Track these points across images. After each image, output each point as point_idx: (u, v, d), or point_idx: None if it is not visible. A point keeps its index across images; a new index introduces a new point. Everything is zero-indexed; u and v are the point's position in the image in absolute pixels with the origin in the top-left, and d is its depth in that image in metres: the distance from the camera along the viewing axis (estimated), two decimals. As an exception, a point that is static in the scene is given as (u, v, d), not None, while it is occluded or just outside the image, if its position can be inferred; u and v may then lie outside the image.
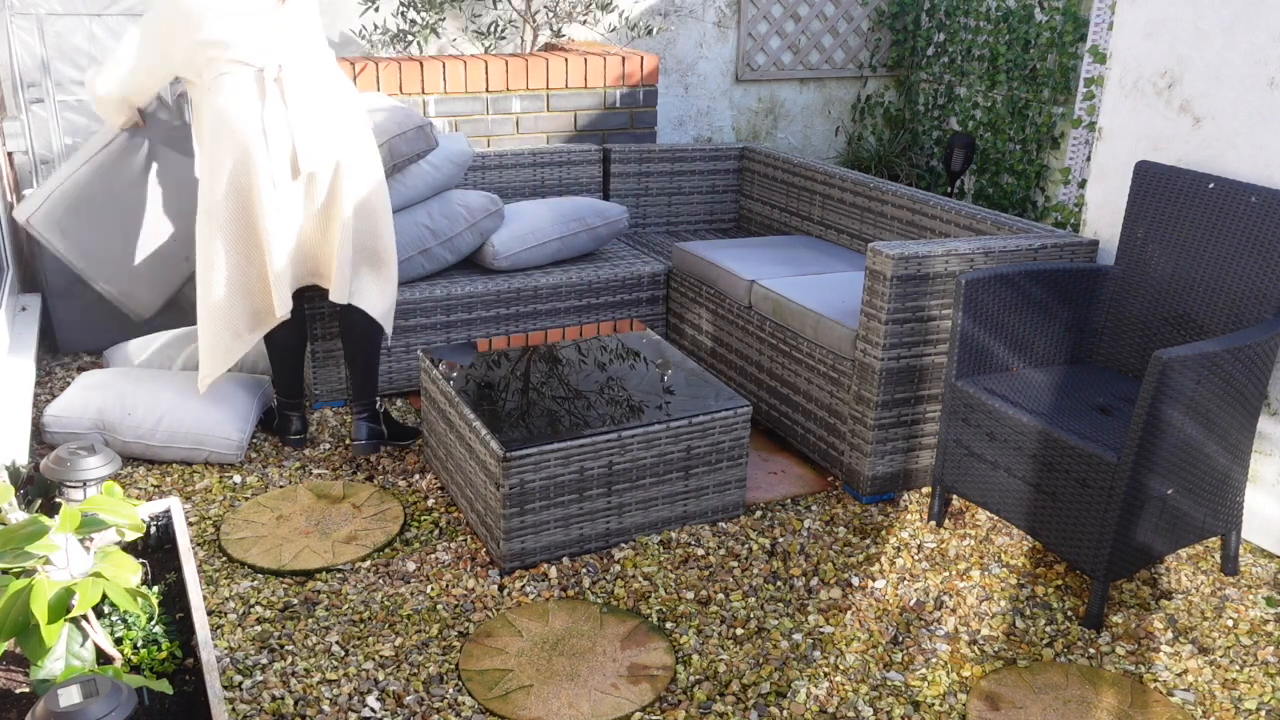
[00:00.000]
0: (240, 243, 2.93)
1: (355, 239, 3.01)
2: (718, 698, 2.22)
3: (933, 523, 2.90)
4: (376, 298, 3.09)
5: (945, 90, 5.58)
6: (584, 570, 2.66)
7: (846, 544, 2.81)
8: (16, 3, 3.68)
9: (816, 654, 2.36)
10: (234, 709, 2.14)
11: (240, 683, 2.22)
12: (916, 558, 2.76)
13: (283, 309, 2.97)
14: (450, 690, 2.22)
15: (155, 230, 3.54)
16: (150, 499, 2.93)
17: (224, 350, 3.02)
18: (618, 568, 2.68)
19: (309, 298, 3.36)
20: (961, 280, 2.69)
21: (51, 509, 2.21)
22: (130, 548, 2.27)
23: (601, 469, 2.67)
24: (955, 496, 2.98)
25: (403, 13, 4.60)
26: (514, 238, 3.73)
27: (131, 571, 1.79)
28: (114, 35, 3.86)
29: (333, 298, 3.02)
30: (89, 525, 1.79)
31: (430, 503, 2.96)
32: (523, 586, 2.58)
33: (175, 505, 2.41)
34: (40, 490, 2.28)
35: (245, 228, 2.91)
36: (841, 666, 2.33)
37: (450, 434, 2.88)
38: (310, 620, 2.43)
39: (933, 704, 2.22)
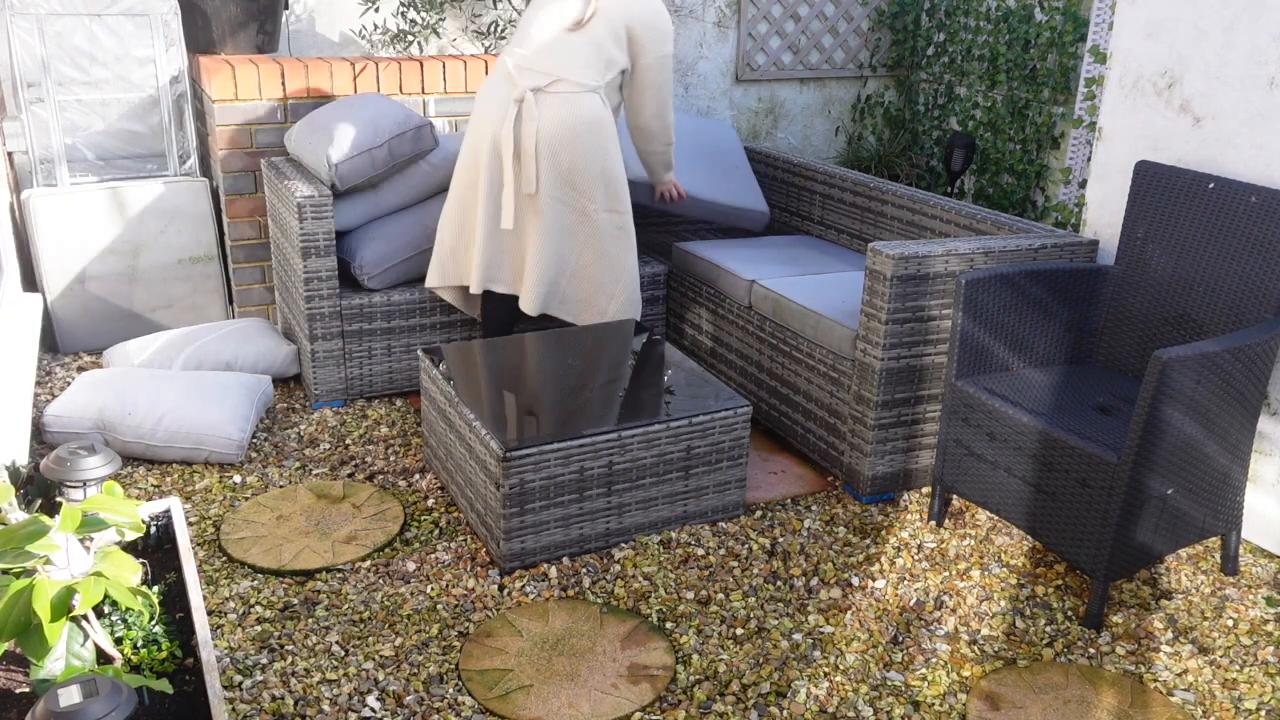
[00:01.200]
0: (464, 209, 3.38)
1: (559, 259, 3.34)
2: (718, 698, 2.22)
3: (933, 523, 2.90)
4: (574, 306, 3.41)
5: (945, 90, 5.58)
6: (584, 570, 2.66)
7: (846, 544, 2.81)
8: (16, 3, 3.68)
9: (816, 654, 2.37)
10: (234, 709, 2.14)
11: (240, 683, 2.22)
12: (916, 558, 2.76)
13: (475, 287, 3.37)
14: (450, 690, 2.22)
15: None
16: (150, 499, 2.94)
17: (438, 266, 3.45)
18: (618, 568, 2.68)
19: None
20: (961, 280, 2.69)
21: (52, 509, 2.21)
22: (130, 548, 2.27)
23: (601, 469, 2.67)
24: (955, 496, 2.98)
25: (403, 13, 4.60)
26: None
27: (132, 571, 1.79)
28: (114, 35, 3.86)
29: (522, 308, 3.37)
30: (89, 525, 1.79)
31: (430, 503, 2.96)
32: (523, 586, 2.58)
33: (175, 505, 2.41)
34: (40, 490, 2.28)
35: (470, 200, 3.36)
36: (841, 666, 2.33)
37: (450, 434, 2.88)
38: (310, 620, 2.43)
39: (933, 704, 2.22)
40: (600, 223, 3.31)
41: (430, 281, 3.46)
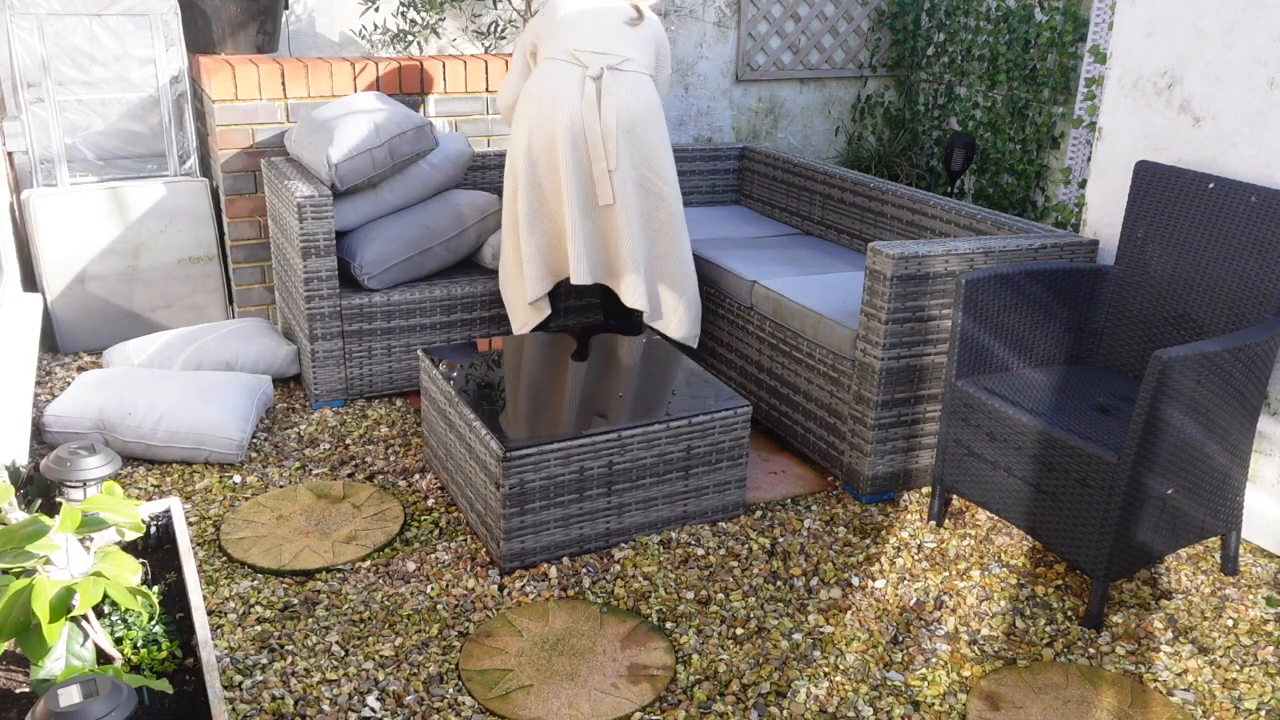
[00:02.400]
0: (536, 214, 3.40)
1: (648, 253, 3.40)
2: (718, 698, 2.22)
3: (933, 523, 2.90)
4: (676, 321, 3.48)
5: (945, 90, 5.58)
6: (584, 570, 2.66)
7: (846, 544, 2.81)
8: (16, 3, 3.68)
9: (816, 654, 2.36)
10: (234, 709, 2.14)
11: (240, 683, 2.22)
12: (916, 558, 2.76)
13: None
14: (450, 690, 2.22)
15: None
16: (150, 499, 2.93)
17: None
18: (618, 568, 2.68)
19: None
20: (961, 280, 2.69)
21: (52, 509, 2.21)
22: (130, 548, 2.27)
23: (601, 469, 2.67)
24: (955, 496, 2.98)
25: (403, 13, 4.60)
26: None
27: (132, 571, 1.79)
28: (114, 35, 3.86)
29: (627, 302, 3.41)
30: (89, 525, 1.79)
31: (430, 503, 2.96)
32: (523, 586, 2.58)
33: (175, 505, 2.41)
34: (40, 490, 2.28)
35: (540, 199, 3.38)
36: (841, 666, 2.33)
37: (450, 434, 2.88)
38: (310, 620, 2.43)
39: (933, 704, 2.22)
40: (673, 210, 3.39)
41: (536, 293, 3.39)
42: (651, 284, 3.42)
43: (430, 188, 3.70)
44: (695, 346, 3.55)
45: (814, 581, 2.64)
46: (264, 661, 2.29)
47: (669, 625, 2.45)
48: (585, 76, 3.25)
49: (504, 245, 3.48)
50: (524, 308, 3.45)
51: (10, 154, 3.98)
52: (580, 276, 3.33)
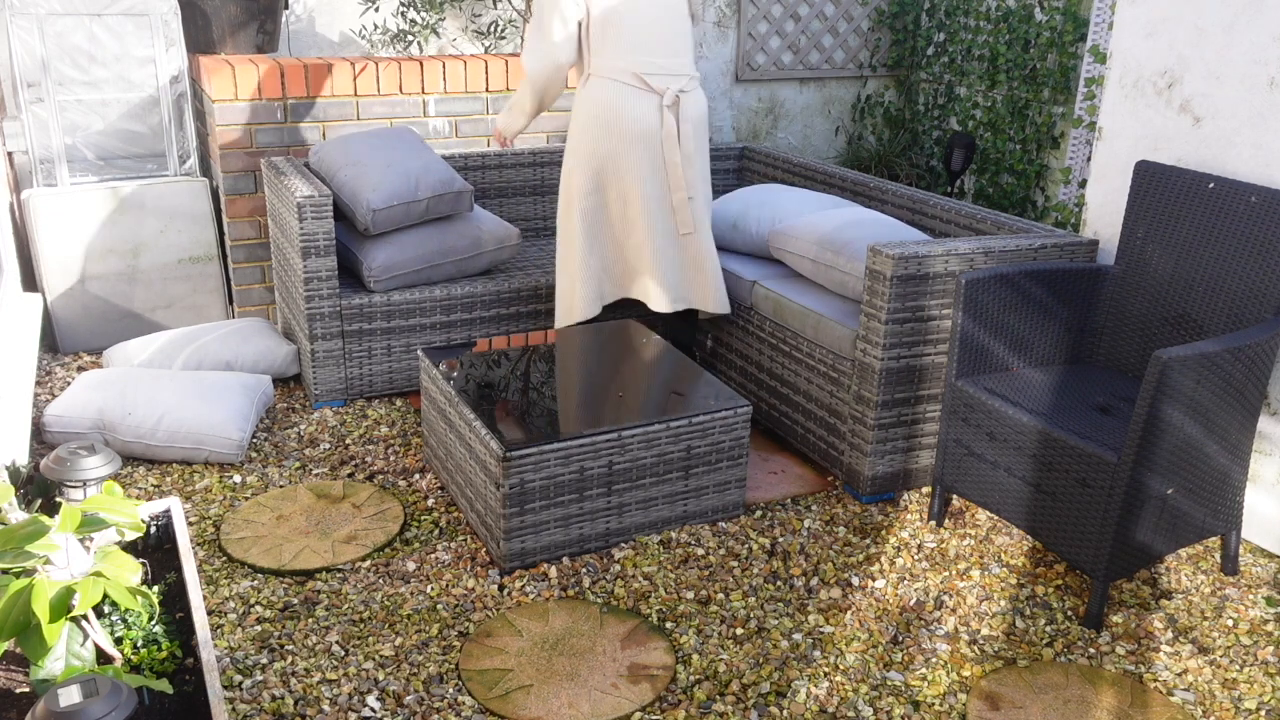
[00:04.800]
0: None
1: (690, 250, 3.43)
2: (718, 697, 2.22)
3: (933, 522, 2.90)
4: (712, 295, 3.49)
5: (945, 90, 5.58)
6: (584, 570, 2.66)
7: (846, 544, 2.81)
8: (16, 3, 3.68)
9: (816, 654, 2.36)
10: (234, 709, 2.14)
11: (240, 682, 2.22)
12: (916, 557, 2.76)
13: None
14: (450, 690, 2.22)
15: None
16: (150, 499, 2.94)
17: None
18: (618, 567, 2.68)
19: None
20: (961, 280, 2.69)
21: (51, 509, 2.21)
22: (130, 547, 2.27)
23: (601, 469, 2.67)
24: (955, 496, 2.98)
25: (403, 13, 4.60)
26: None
27: (131, 571, 1.79)
28: (114, 35, 3.86)
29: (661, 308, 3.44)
30: (89, 525, 1.79)
31: (430, 503, 2.96)
32: (523, 586, 2.58)
33: (175, 505, 2.41)
34: (40, 490, 2.28)
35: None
36: (841, 666, 2.33)
37: (450, 434, 2.88)
38: (310, 620, 2.43)
39: (933, 704, 2.22)
40: (708, 200, 3.47)
41: (587, 313, 3.40)
42: (716, 277, 3.50)
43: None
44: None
45: (814, 581, 2.64)
46: (264, 661, 2.29)
47: (669, 625, 2.45)
48: (661, 106, 3.24)
49: (561, 249, 3.43)
50: (571, 309, 3.44)
51: (10, 154, 3.98)
52: (663, 305, 3.40)
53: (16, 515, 1.92)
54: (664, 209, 3.33)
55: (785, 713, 2.18)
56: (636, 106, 3.23)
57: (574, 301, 3.40)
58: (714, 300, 3.45)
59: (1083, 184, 4.64)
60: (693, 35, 3.37)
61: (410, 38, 4.59)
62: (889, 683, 2.28)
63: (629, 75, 3.21)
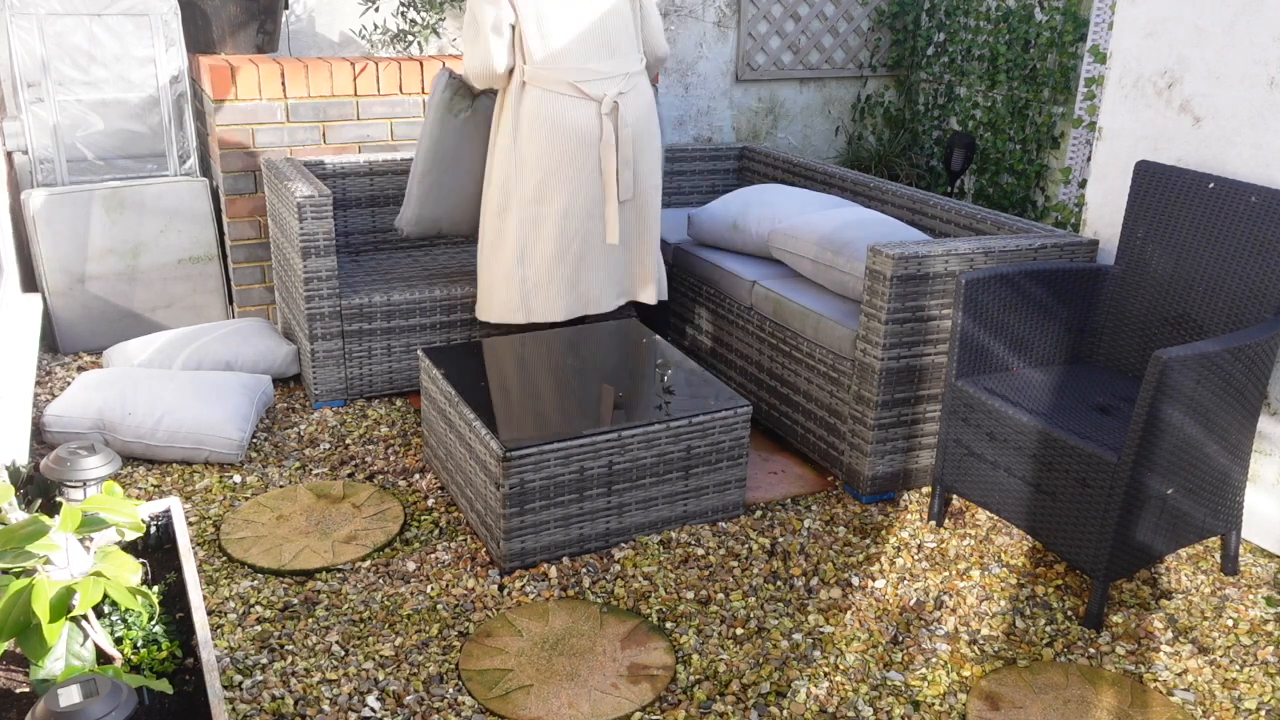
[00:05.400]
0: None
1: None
2: (718, 697, 2.22)
3: (933, 522, 2.90)
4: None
5: (945, 90, 5.58)
6: (584, 570, 2.66)
7: (846, 544, 2.81)
8: (16, 3, 3.68)
9: (816, 654, 2.36)
10: (234, 709, 2.14)
11: (240, 682, 2.22)
12: (916, 557, 2.76)
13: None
14: (450, 690, 2.22)
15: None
16: (150, 499, 2.93)
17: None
18: (618, 567, 2.68)
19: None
20: (961, 280, 2.69)
21: (51, 509, 2.21)
22: (130, 547, 2.27)
23: (601, 469, 2.67)
24: (955, 496, 2.98)
25: (403, 13, 4.60)
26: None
27: (132, 571, 1.79)
28: (114, 35, 3.86)
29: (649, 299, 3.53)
30: (89, 525, 1.79)
31: (430, 503, 2.96)
32: (523, 586, 2.58)
33: (175, 505, 2.41)
34: (40, 490, 2.28)
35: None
36: (841, 666, 2.33)
37: (450, 434, 2.88)
38: (310, 620, 2.43)
39: (933, 704, 2.22)
40: (656, 199, 3.48)
41: (504, 318, 3.40)
42: (659, 269, 3.55)
43: None
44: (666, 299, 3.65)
45: (814, 581, 2.64)
46: (264, 661, 2.29)
47: (669, 625, 2.45)
48: (599, 113, 3.20)
49: (488, 249, 3.38)
50: (490, 306, 3.43)
51: (10, 154, 3.98)
52: (603, 307, 3.46)
53: (16, 515, 1.92)
54: (598, 216, 3.32)
55: (785, 713, 2.18)
56: (575, 116, 3.19)
57: (493, 302, 3.41)
58: (654, 292, 3.53)
59: (1083, 184, 4.64)
60: (637, 20, 3.31)
61: (410, 38, 4.59)
62: (889, 683, 2.28)
63: (564, 85, 3.17)
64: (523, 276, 3.34)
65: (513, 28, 3.14)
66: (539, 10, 3.13)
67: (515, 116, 3.22)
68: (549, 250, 3.31)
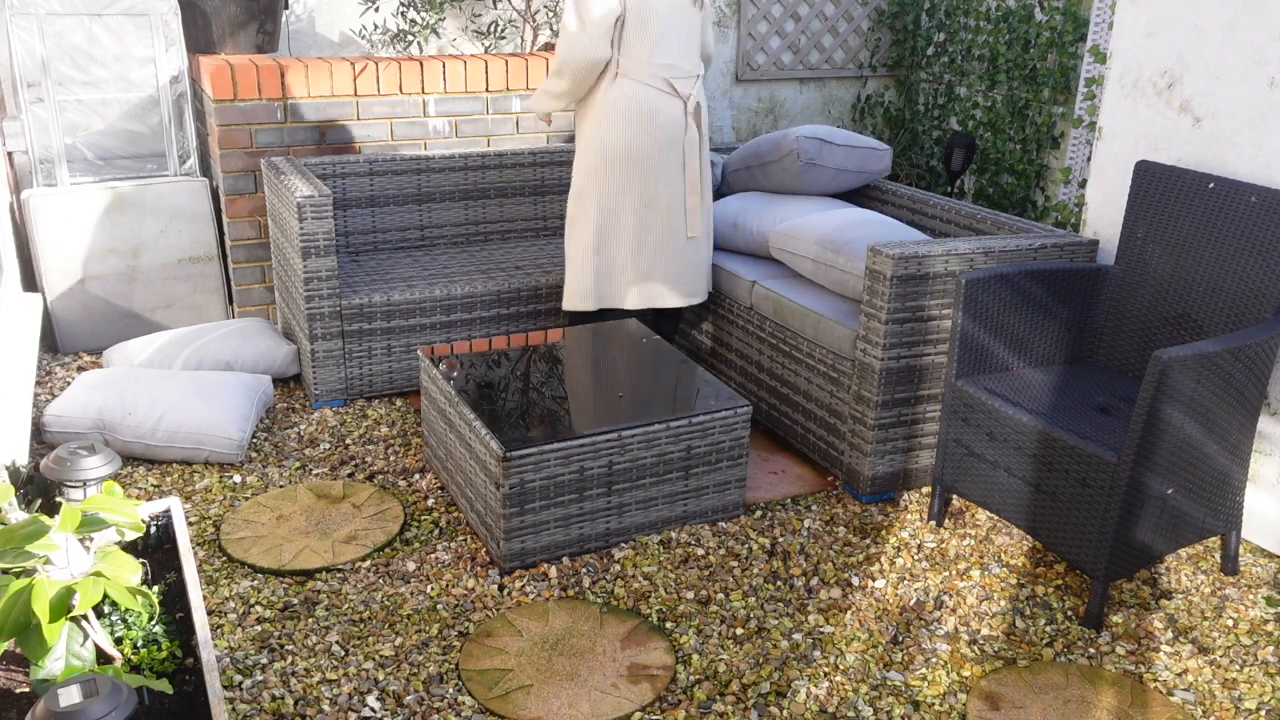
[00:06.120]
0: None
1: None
2: (718, 697, 2.22)
3: (933, 522, 2.90)
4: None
5: (945, 90, 5.58)
6: (584, 570, 2.66)
7: (846, 544, 2.81)
8: (16, 3, 3.68)
9: (816, 654, 2.36)
10: (234, 709, 2.14)
11: (240, 682, 2.22)
12: (916, 557, 2.76)
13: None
14: (450, 690, 2.22)
15: None
16: (150, 499, 2.94)
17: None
18: (618, 567, 2.68)
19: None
20: (961, 280, 2.69)
21: (51, 509, 2.21)
22: (130, 547, 2.27)
23: (601, 469, 2.67)
24: (955, 496, 2.98)
25: (403, 13, 4.60)
26: None
27: (132, 571, 1.79)
28: (114, 35, 3.86)
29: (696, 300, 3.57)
30: (89, 525, 1.79)
31: (430, 503, 2.96)
32: (523, 586, 2.58)
33: (175, 505, 2.41)
34: (40, 490, 2.28)
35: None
36: (841, 666, 2.33)
37: (450, 434, 2.88)
38: (310, 620, 2.43)
39: (933, 704, 2.22)
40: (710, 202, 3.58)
41: (581, 304, 3.47)
42: (709, 270, 3.62)
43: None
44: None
45: (814, 581, 2.64)
46: (264, 661, 2.29)
47: (669, 625, 2.45)
48: (686, 111, 3.33)
49: (572, 236, 3.47)
50: (571, 293, 3.51)
51: (10, 154, 3.98)
52: (677, 301, 3.49)
53: (16, 515, 1.92)
54: (679, 212, 3.40)
55: (785, 713, 2.18)
56: (666, 111, 3.30)
57: (574, 288, 3.48)
58: (702, 291, 3.57)
59: (1083, 184, 4.64)
60: (706, 24, 3.42)
61: (410, 38, 4.59)
62: (889, 683, 2.28)
63: (659, 80, 3.29)
64: (597, 265, 3.43)
65: (619, 20, 3.22)
66: (643, 5, 3.22)
67: (605, 106, 3.30)
68: (627, 241, 3.39)
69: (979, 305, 2.73)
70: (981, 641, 2.43)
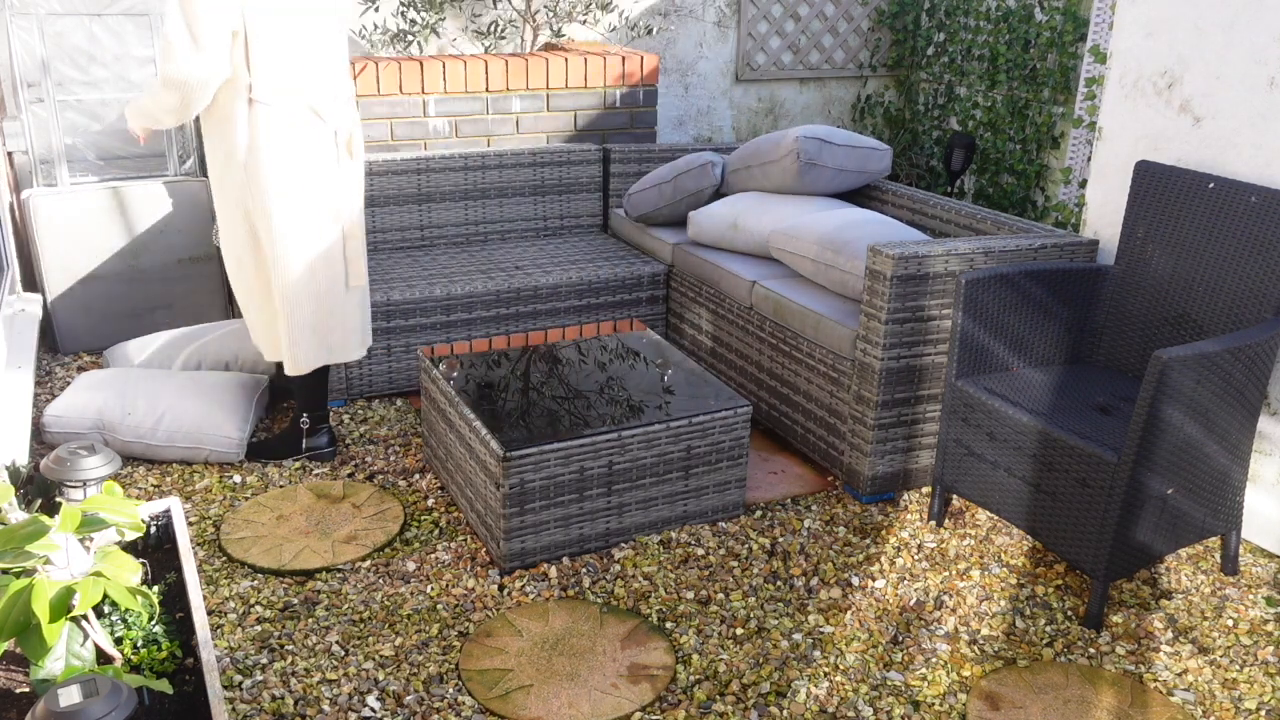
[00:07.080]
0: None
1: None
2: (718, 697, 2.22)
3: (933, 522, 2.90)
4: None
5: (945, 90, 5.58)
6: (584, 570, 2.66)
7: (846, 544, 2.81)
8: (16, 3, 3.68)
9: (816, 654, 2.36)
10: (234, 709, 2.14)
11: (240, 683, 2.22)
12: (916, 557, 2.76)
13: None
14: (450, 690, 2.22)
15: None
16: (150, 499, 2.93)
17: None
18: (618, 567, 2.68)
19: None
20: (961, 280, 2.69)
21: (51, 509, 2.21)
22: (130, 547, 2.27)
23: (601, 469, 2.67)
24: (955, 496, 2.98)
25: (403, 13, 4.60)
26: None
27: (131, 571, 1.79)
28: (114, 35, 3.86)
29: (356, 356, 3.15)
30: (89, 525, 1.79)
31: (430, 503, 2.96)
32: (523, 586, 2.58)
33: (175, 505, 2.41)
34: (40, 490, 2.28)
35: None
36: (841, 666, 2.33)
37: (450, 434, 2.88)
38: (310, 620, 2.43)
39: (933, 704, 2.22)
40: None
41: (317, 360, 3.02)
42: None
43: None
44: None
45: (814, 581, 2.64)
46: (264, 661, 2.29)
47: (669, 625, 2.45)
48: (337, 143, 2.86)
49: (254, 293, 2.97)
50: (295, 359, 3.00)
51: (10, 154, 3.98)
52: (359, 352, 3.12)
53: (16, 515, 1.92)
54: (337, 257, 2.95)
55: (785, 713, 2.18)
56: (315, 144, 2.81)
57: (296, 352, 2.98)
58: (365, 344, 3.16)
59: (1083, 184, 4.64)
60: (344, 41, 2.91)
61: (410, 38, 4.59)
62: (889, 683, 2.28)
63: (300, 106, 2.77)
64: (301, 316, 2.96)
65: (235, 35, 2.65)
66: (272, 16, 2.68)
67: (252, 141, 2.76)
68: (310, 280, 2.95)
69: (979, 305, 2.73)
70: (981, 641, 2.43)
